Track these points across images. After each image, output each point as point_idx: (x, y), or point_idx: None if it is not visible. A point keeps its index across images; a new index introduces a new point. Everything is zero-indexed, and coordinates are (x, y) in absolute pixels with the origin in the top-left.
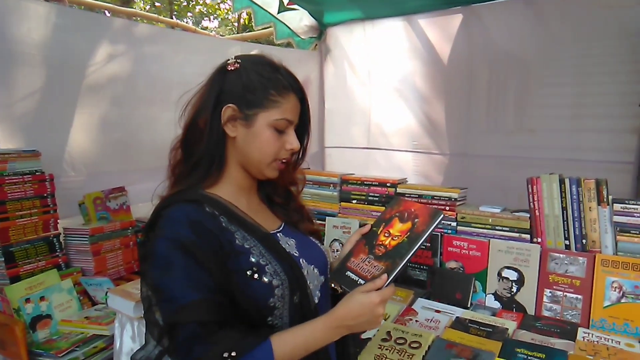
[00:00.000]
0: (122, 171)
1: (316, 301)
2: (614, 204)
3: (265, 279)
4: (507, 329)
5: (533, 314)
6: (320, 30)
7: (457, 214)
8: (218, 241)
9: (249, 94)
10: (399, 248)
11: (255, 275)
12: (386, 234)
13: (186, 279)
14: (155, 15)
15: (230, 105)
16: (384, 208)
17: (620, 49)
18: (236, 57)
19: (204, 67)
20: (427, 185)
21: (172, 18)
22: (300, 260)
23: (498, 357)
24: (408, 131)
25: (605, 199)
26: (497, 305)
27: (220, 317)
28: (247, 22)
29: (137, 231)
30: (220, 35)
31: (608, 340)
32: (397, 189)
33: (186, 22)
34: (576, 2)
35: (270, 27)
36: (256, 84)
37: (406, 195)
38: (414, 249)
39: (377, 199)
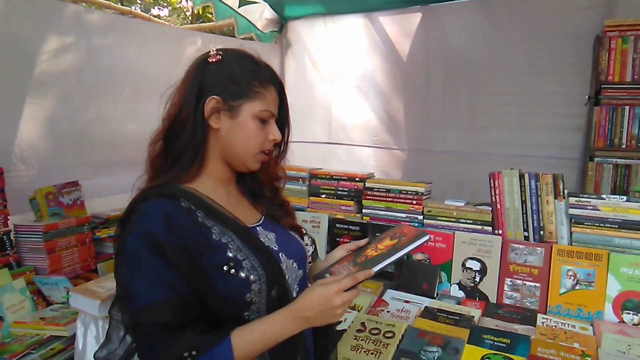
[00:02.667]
0: (76, 165)
1: (294, 295)
2: (569, 198)
3: (242, 274)
4: (473, 316)
5: (495, 302)
6: (282, 24)
7: (423, 208)
8: (192, 238)
9: (232, 85)
10: (376, 258)
11: (232, 271)
12: (374, 248)
13: (152, 278)
14: (107, 2)
15: (213, 96)
16: (353, 202)
17: (568, 51)
18: (217, 50)
19: (162, 58)
20: (394, 180)
21: (121, 4)
22: (280, 254)
23: (467, 343)
24: (368, 127)
25: (561, 193)
26: (461, 294)
27: (185, 318)
28: (200, 12)
29: (94, 227)
30: (172, 25)
31: (565, 325)
32: (366, 183)
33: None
34: (528, 5)
35: (230, 20)
36: (240, 75)
37: (374, 189)
38: (389, 259)
39: (346, 193)
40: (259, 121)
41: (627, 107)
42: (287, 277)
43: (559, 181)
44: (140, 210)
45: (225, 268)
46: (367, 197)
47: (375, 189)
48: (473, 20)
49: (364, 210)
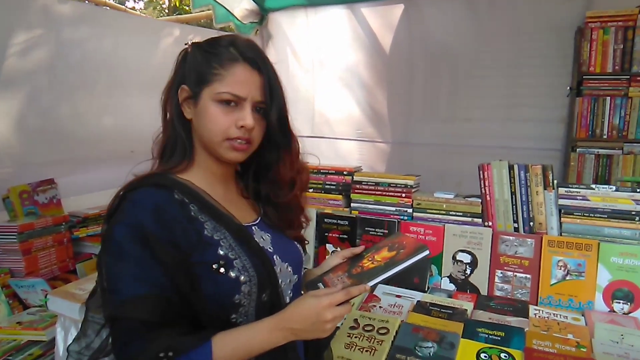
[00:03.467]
0: (51, 162)
1: (287, 300)
2: (559, 188)
3: (232, 274)
4: (466, 309)
5: (486, 294)
6: (262, 15)
7: (412, 201)
8: (183, 232)
9: (193, 72)
10: (373, 270)
11: (222, 269)
12: (370, 259)
13: (136, 271)
14: None
15: (182, 86)
16: (341, 196)
17: (549, 43)
18: (192, 42)
19: (139, 50)
20: (383, 173)
21: None
22: (274, 256)
23: (462, 337)
24: (352, 120)
25: (551, 184)
26: (452, 287)
27: (166, 316)
28: (177, 4)
29: (72, 227)
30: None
31: (557, 316)
32: (354, 177)
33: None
34: None
35: (208, 10)
36: (200, 60)
37: (363, 183)
38: (386, 274)
39: (333, 187)
40: (221, 104)
41: (608, 98)
42: (280, 281)
43: (548, 172)
44: (130, 199)
45: (214, 266)
46: (356, 190)
47: (363, 183)
48: (455, 12)
49: (352, 204)
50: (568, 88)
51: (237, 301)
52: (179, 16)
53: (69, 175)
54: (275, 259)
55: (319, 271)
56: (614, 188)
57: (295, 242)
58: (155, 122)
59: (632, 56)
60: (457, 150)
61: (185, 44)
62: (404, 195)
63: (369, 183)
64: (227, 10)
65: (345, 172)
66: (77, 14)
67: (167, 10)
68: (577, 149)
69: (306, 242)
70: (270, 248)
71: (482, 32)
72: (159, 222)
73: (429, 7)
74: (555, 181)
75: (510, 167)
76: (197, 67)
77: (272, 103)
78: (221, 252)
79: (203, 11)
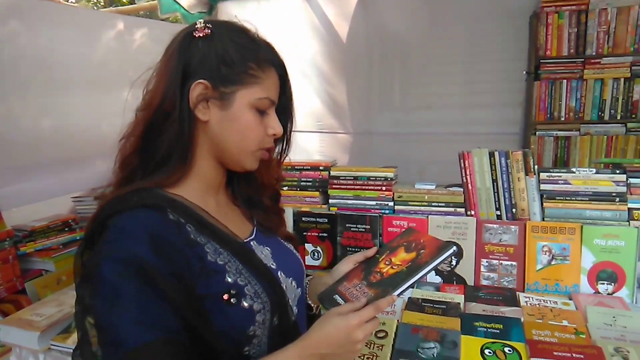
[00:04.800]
0: None
1: (293, 318)
2: (540, 173)
3: (246, 304)
4: (459, 303)
5: (473, 284)
6: (211, 5)
7: (394, 194)
8: (185, 260)
9: (224, 67)
10: (395, 277)
11: (233, 300)
12: (387, 262)
13: (139, 315)
14: None
15: (201, 81)
16: (318, 193)
17: (505, 29)
18: (205, 22)
19: (79, 45)
20: (361, 167)
21: None
22: (279, 273)
23: (462, 334)
24: (312, 111)
25: (532, 169)
26: (438, 279)
27: None
28: None
29: (17, 242)
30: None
31: (548, 302)
32: (331, 171)
33: None
34: None
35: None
36: (233, 54)
37: (341, 177)
38: (412, 280)
39: (310, 183)
40: (257, 111)
41: (565, 81)
42: (287, 299)
43: (529, 157)
44: (117, 226)
45: (225, 297)
46: (334, 186)
47: (341, 177)
48: (410, 1)
49: (330, 201)
50: (525, 72)
51: (252, 333)
52: (118, 8)
53: (7, 185)
54: (280, 276)
55: (329, 279)
56: (594, 171)
57: (292, 249)
58: (100, 122)
59: (585, 39)
60: (418, 139)
61: (196, 26)
62: (384, 188)
63: (347, 177)
64: None
65: (321, 167)
66: (5, 7)
67: (102, 3)
68: (537, 132)
69: (294, 238)
70: (273, 264)
71: (437, 21)
72: (157, 252)
73: None
74: (536, 166)
75: (491, 154)
76: (227, 61)
77: (287, 112)
78: (229, 280)
79: (148, 1)
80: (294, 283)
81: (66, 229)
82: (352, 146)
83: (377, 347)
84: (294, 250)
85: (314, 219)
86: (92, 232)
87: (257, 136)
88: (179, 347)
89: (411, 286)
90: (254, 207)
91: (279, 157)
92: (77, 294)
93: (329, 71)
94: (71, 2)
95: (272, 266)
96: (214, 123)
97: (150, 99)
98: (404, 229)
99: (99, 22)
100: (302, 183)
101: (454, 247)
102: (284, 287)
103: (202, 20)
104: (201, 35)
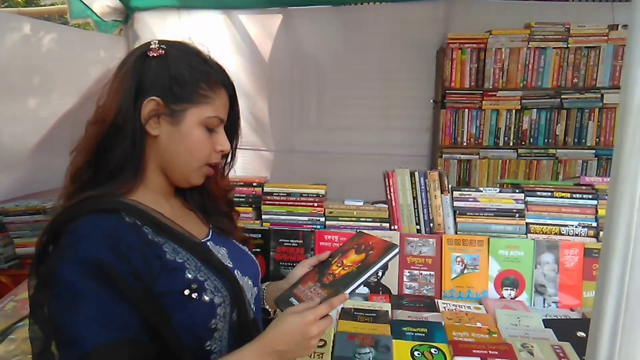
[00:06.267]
0: None
1: (251, 316)
2: (454, 192)
3: (207, 297)
4: (387, 311)
5: (397, 293)
6: (127, 14)
7: (325, 210)
8: (144, 260)
9: (176, 86)
10: (346, 277)
11: (194, 295)
12: (339, 264)
13: (98, 315)
14: None
15: (153, 98)
16: (251, 209)
17: (416, 60)
18: (159, 42)
19: None
20: (294, 184)
21: None
22: (235, 271)
23: (393, 339)
24: None
25: (446, 188)
26: (366, 290)
27: None
28: None
29: None
30: None
31: (462, 307)
32: (265, 188)
33: None
34: (377, 15)
35: (62, 3)
36: (186, 75)
37: (274, 194)
38: (361, 279)
39: (243, 199)
40: (206, 129)
41: (467, 110)
42: (246, 297)
43: (444, 178)
44: (74, 231)
45: (186, 292)
46: (267, 202)
47: (274, 194)
48: (331, 26)
49: (263, 217)
50: (432, 101)
51: (213, 326)
52: (21, 9)
53: None
54: (237, 274)
55: (285, 284)
56: (498, 190)
57: (247, 251)
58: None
59: (484, 74)
60: (337, 158)
61: (150, 46)
62: (316, 204)
63: (280, 194)
64: (84, 3)
65: (255, 184)
66: None
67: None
68: (443, 155)
69: (249, 241)
70: (229, 263)
71: (354, 47)
72: (116, 252)
73: (305, 19)
74: (450, 186)
75: (412, 174)
76: (179, 81)
77: (234, 129)
78: (189, 276)
79: (53, 5)
80: (250, 282)
81: None
82: (274, 163)
83: (318, 355)
84: (249, 252)
85: (247, 234)
86: (44, 244)
87: (205, 152)
88: (137, 347)
89: (362, 284)
90: (209, 213)
91: (222, 170)
92: (31, 304)
93: (251, 88)
94: None
95: (228, 265)
96: (164, 138)
97: (104, 113)
98: (354, 235)
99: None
100: (235, 199)
101: (397, 248)
102: (241, 285)
103: (156, 41)
104: (155, 55)
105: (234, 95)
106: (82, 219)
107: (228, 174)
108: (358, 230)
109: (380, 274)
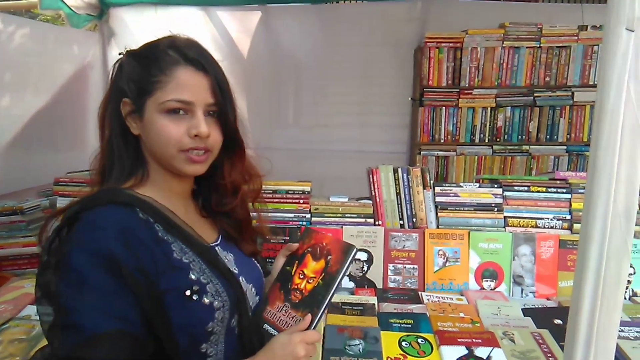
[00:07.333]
0: None
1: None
2: (435, 187)
3: (207, 300)
4: (373, 304)
5: (381, 287)
6: (102, 10)
7: (310, 206)
8: (151, 257)
9: (132, 83)
10: (315, 294)
11: (195, 296)
12: (300, 276)
13: (102, 304)
14: None
15: (124, 99)
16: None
17: (394, 58)
18: (125, 49)
19: None
20: (280, 181)
21: None
22: (240, 278)
23: (381, 330)
24: None
25: (429, 184)
26: (351, 285)
27: (134, 357)
28: None
29: None
30: None
31: (445, 299)
32: None
33: None
34: (357, 14)
35: None
36: (138, 68)
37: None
38: (331, 294)
39: None
40: (168, 114)
41: (444, 108)
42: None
43: (426, 174)
44: (88, 219)
45: (187, 293)
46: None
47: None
48: (310, 23)
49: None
50: (410, 99)
51: (210, 329)
52: None
53: None
54: (242, 281)
55: (271, 279)
56: (477, 185)
57: (254, 261)
58: None
59: (460, 73)
60: (317, 155)
61: (120, 53)
62: (301, 201)
63: (266, 191)
64: None
65: None
66: None
67: None
68: (422, 152)
69: (258, 253)
70: (235, 269)
71: (333, 44)
72: (127, 246)
73: (284, 17)
74: (431, 181)
75: (395, 171)
76: (135, 77)
77: (225, 103)
78: (193, 277)
79: None
80: (253, 290)
81: None
82: (254, 161)
83: None
84: (256, 263)
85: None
86: (63, 224)
87: (174, 139)
88: (135, 341)
89: (332, 297)
90: (221, 216)
91: (235, 158)
92: (39, 281)
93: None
94: None
95: (234, 271)
96: (142, 135)
97: (101, 122)
98: (302, 232)
99: None
100: None
101: (355, 248)
102: (245, 291)
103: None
104: (121, 62)
105: (206, 70)
106: (98, 208)
107: (240, 163)
108: (305, 227)
109: (365, 268)
